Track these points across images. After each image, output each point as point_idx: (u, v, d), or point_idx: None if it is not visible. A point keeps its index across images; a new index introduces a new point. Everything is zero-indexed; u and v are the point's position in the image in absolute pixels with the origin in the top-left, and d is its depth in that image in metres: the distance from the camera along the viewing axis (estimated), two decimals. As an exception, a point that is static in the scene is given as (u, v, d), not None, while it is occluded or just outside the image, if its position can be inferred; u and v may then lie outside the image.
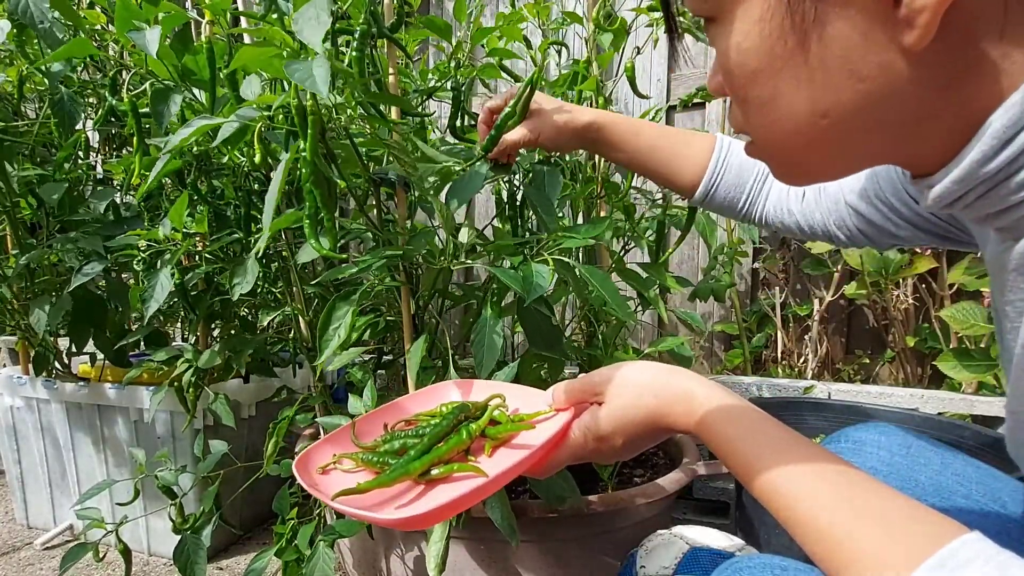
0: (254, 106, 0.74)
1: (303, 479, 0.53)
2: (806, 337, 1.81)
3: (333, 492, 0.51)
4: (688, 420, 0.48)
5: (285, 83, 0.86)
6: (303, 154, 0.69)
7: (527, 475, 0.56)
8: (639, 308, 1.17)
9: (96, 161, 1.49)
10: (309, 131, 0.68)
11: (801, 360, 1.81)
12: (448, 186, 0.84)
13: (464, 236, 0.88)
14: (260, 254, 0.94)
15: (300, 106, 0.68)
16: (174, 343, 1.50)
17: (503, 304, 0.90)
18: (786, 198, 0.74)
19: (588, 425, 0.53)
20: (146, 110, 0.97)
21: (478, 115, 1.16)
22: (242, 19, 1.03)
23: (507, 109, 0.80)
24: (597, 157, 1.13)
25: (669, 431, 0.51)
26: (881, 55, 0.34)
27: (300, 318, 1.11)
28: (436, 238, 0.89)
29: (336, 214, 0.76)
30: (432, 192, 0.88)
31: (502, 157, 0.83)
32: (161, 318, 1.49)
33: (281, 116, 0.74)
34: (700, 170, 0.77)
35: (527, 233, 1.05)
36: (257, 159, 0.76)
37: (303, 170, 0.69)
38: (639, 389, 0.51)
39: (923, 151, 0.38)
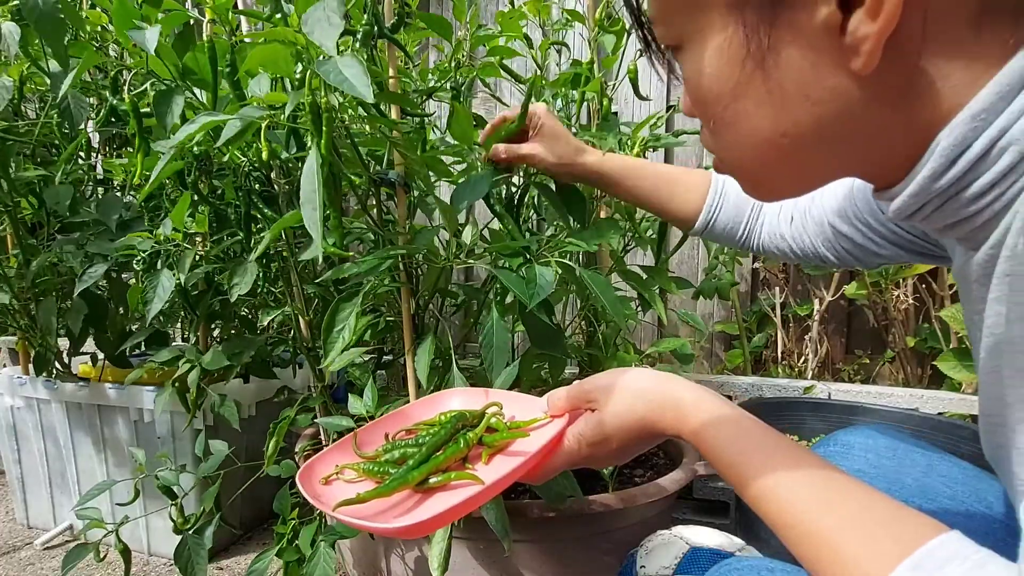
0: (257, 104, 0.74)
1: (306, 490, 0.54)
2: (806, 337, 1.81)
3: (335, 502, 0.52)
4: (678, 427, 0.49)
5: (287, 83, 0.86)
6: (312, 152, 0.69)
7: (523, 481, 0.57)
8: (639, 308, 1.17)
9: (96, 161, 1.49)
10: (324, 129, 0.68)
11: (801, 360, 1.81)
12: (455, 188, 0.84)
13: (467, 236, 0.88)
14: (260, 254, 0.94)
15: (315, 104, 0.68)
16: (174, 343, 1.50)
17: (505, 303, 0.90)
18: (777, 224, 0.77)
19: (582, 432, 0.55)
20: (147, 110, 0.97)
21: (476, 116, 1.16)
22: (242, 19, 1.03)
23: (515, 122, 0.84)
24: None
25: (660, 436, 0.52)
26: (832, 79, 0.36)
27: (300, 318, 1.11)
28: (437, 238, 0.89)
29: (340, 214, 0.76)
30: (436, 193, 0.88)
31: (503, 162, 0.88)
32: (161, 318, 1.49)
33: (283, 116, 0.74)
34: (699, 204, 0.81)
35: (527, 234, 1.05)
36: (264, 155, 0.76)
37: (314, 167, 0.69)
38: (631, 397, 0.52)
39: (880, 166, 0.40)
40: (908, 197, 0.39)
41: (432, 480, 0.55)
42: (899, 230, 0.60)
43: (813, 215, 0.71)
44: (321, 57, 0.66)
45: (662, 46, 0.46)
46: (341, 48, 0.78)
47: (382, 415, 0.71)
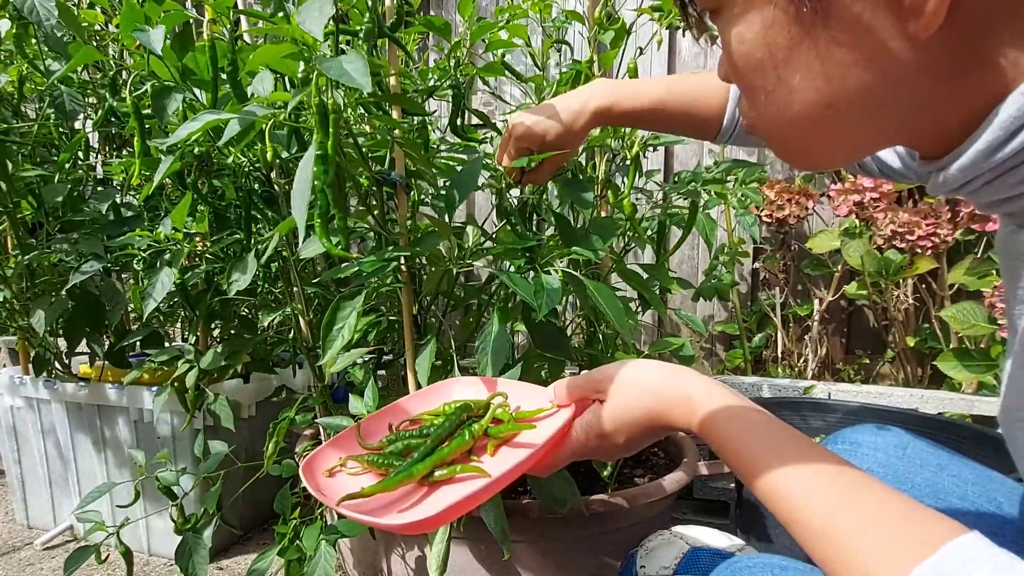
0: (259, 104, 0.74)
1: (309, 483, 0.53)
2: (806, 337, 1.81)
3: (338, 496, 0.51)
4: (688, 420, 0.48)
5: (287, 81, 0.86)
6: (318, 152, 0.69)
7: (530, 473, 0.56)
8: (639, 309, 1.17)
9: (96, 161, 1.49)
10: (331, 129, 0.68)
11: (801, 360, 1.81)
12: (450, 183, 0.83)
13: (469, 236, 0.88)
14: (266, 257, 0.94)
15: (321, 103, 0.68)
16: (174, 343, 1.50)
17: (508, 307, 0.90)
18: None
19: (590, 423, 0.53)
20: (148, 111, 0.97)
21: (478, 112, 1.16)
22: (242, 18, 1.03)
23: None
24: (598, 158, 1.13)
25: (668, 429, 0.51)
26: (887, 43, 0.34)
27: (300, 318, 1.11)
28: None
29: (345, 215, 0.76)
30: (438, 193, 0.88)
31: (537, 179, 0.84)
32: (161, 318, 1.49)
33: (284, 115, 0.74)
34: (720, 109, 0.75)
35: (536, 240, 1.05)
36: (269, 156, 0.76)
37: (316, 168, 0.69)
38: (640, 388, 0.51)
39: (928, 137, 0.39)
40: (958, 171, 0.37)
41: (437, 473, 0.54)
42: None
43: None
44: (322, 54, 0.66)
45: (699, 10, 0.43)
46: (344, 46, 0.79)
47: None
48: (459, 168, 1.04)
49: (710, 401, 0.47)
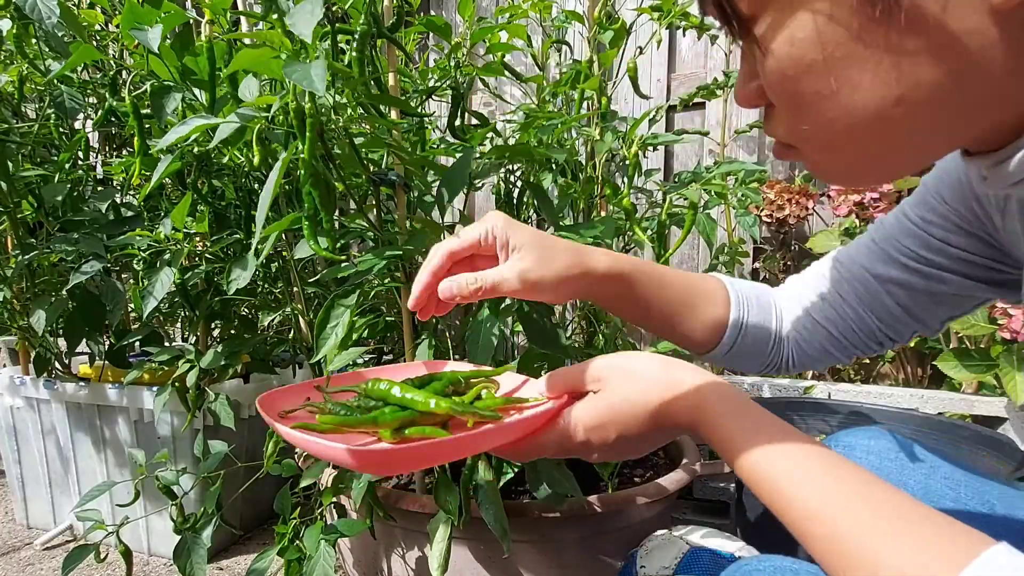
0: (253, 107, 0.74)
1: (265, 412, 0.48)
2: (806, 337, 1.80)
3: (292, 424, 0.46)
4: (693, 418, 0.44)
5: (286, 84, 0.86)
6: (301, 156, 0.69)
7: (508, 456, 0.51)
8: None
9: (96, 161, 1.49)
10: (308, 133, 0.68)
11: (801, 360, 1.81)
12: (441, 179, 0.84)
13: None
14: (263, 257, 0.94)
15: (299, 108, 0.68)
16: (175, 343, 1.50)
17: (501, 305, 0.90)
18: (808, 314, 0.65)
19: (580, 413, 0.48)
20: (147, 111, 0.97)
21: (478, 113, 1.16)
22: (242, 19, 1.03)
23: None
24: (597, 158, 1.13)
25: (670, 428, 0.46)
26: (967, 22, 0.31)
27: (300, 318, 1.11)
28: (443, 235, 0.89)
29: (336, 214, 0.76)
30: (427, 193, 0.88)
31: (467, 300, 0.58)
32: (161, 318, 1.50)
33: (280, 117, 0.74)
34: (724, 314, 0.65)
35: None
36: (256, 160, 0.76)
37: (302, 171, 0.70)
38: (645, 380, 0.46)
39: (997, 128, 0.36)
40: (1018, 163, 0.34)
41: (406, 432, 0.48)
42: (964, 245, 0.54)
43: (851, 278, 0.61)
44: (301, 58, 0.67)
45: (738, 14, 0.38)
46: (328, 48, 0.79)
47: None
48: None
49: (723, 402, 0.43)
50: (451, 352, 0.87)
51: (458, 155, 1.00)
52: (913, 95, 0.34)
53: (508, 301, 0.95)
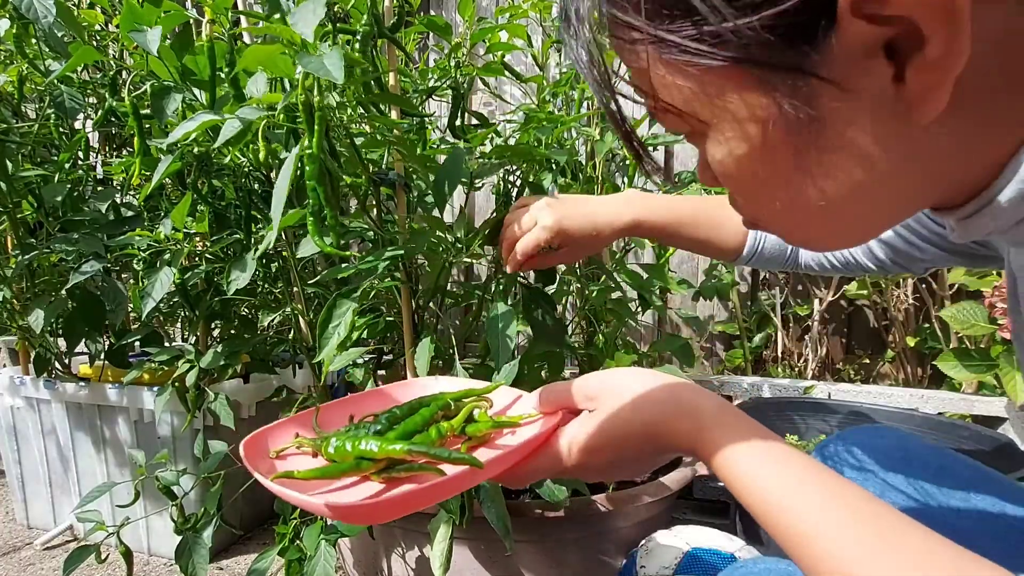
0: (256, 105, 0.74)
1: (247, 457, 0.47)
2: (806, 337, 1.81)
3: (277, 472, 0.45)
4: (693, 439, 0.42)
5: (287, 82, 0.86)
6: (308, 151, 0.69)
7: (501, 481, 0.51)
8: (639, 308, 1.17)
9: (96, 161, 1.49)
10: (316, 127, 0.69)
11: (801, 360, 1.82)
12: (436, 176, 0.83)
13: (460, 231, 0.88)
14: (261, 253, 0.94)
15: (308, 103, 0.68)
16: (175, 343, 1.50)
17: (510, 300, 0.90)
18: None
19: (574, 434, 0.47)
20: (147, 111, 0.97)
21: (478, 113, 1.16)
22: (242, 19, 1.03)
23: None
24: (598, 158, 1.13)
25: (667, 449, 0.45)
26: (894, 131, 0.33)
27: (300, 318, 1.11)
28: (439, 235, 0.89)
29: (337, 213, 0.76)
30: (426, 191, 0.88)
31: (523, 267, 0.79)
32: (161, 318, 1.49)
33: (283, 116, 0.74)
34: (742, 233, 0.76)
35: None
36: (262, 156, 0.76)
37: (308, 167, 0.70)
38: (638, 399, 0.44)
39: (944, 198, 0.38)
40: (983, 219, 0.36)
41: (395, 470, 0.47)
42: (941, 230, 0.57)
43: None
44: (303, 51, 0.67)
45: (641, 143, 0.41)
46: (330, 43, 0.79)
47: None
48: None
49: (724, 424, 0.41)
50: (454, 350, 0.87)
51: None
52: (851, 194, 0.35)
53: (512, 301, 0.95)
